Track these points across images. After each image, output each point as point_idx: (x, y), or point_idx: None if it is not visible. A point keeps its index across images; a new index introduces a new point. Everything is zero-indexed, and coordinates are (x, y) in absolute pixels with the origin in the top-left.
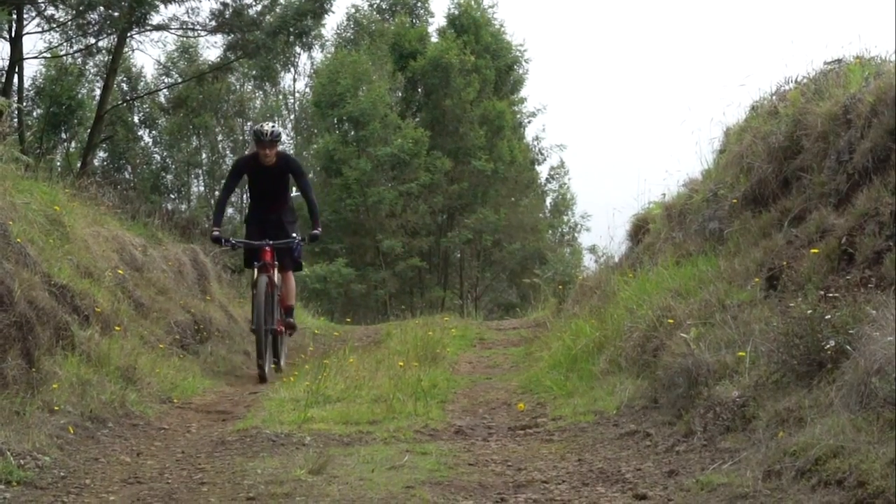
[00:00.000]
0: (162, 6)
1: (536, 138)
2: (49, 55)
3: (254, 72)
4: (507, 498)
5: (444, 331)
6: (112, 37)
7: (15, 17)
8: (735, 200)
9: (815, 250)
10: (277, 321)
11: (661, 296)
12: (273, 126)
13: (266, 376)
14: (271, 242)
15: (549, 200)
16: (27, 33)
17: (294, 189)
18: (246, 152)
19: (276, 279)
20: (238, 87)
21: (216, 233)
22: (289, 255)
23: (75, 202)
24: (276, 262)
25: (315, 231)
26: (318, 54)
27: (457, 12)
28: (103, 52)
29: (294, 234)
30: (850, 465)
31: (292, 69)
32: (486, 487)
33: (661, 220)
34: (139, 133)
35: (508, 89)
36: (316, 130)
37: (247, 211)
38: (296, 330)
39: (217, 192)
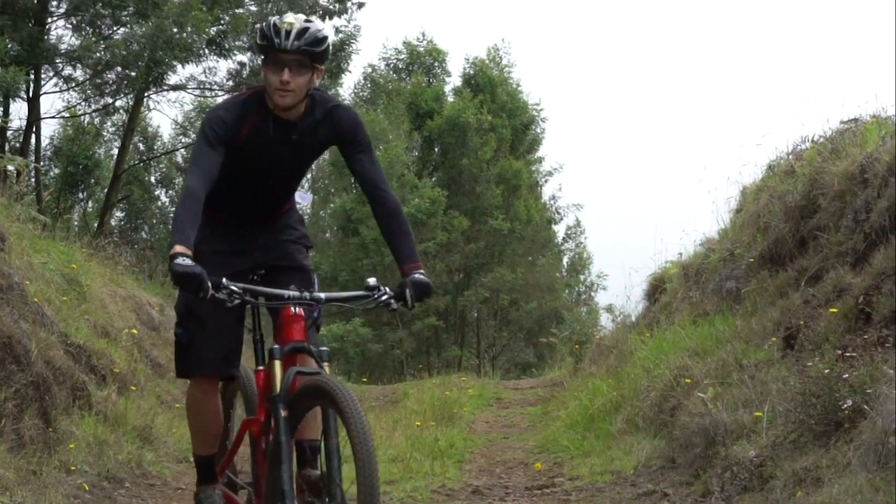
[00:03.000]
0: (179, 66)
1: (553, 197)
2: (66, 115)
3: None
4: None
5: (461, 390)
6: (129, 96)
7: (33, 77)
8: (752, 260)
9: (833, 309)
10: None
11: (678, 355)
12: (308, 20)
13: None
14: (323, 296)
15: (565, 260)
16: (45, 93)
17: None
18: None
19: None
20: None
21: (184, 259)
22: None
23: (92, 261)
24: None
25: (418, 273)
26: None
27: (473, 72)
28: (120, 111)
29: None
30: None
31: None
32: None
33: (678, 280)
34: (156, 193)
35: (525, 148)
36: (333, 189)
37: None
38: None
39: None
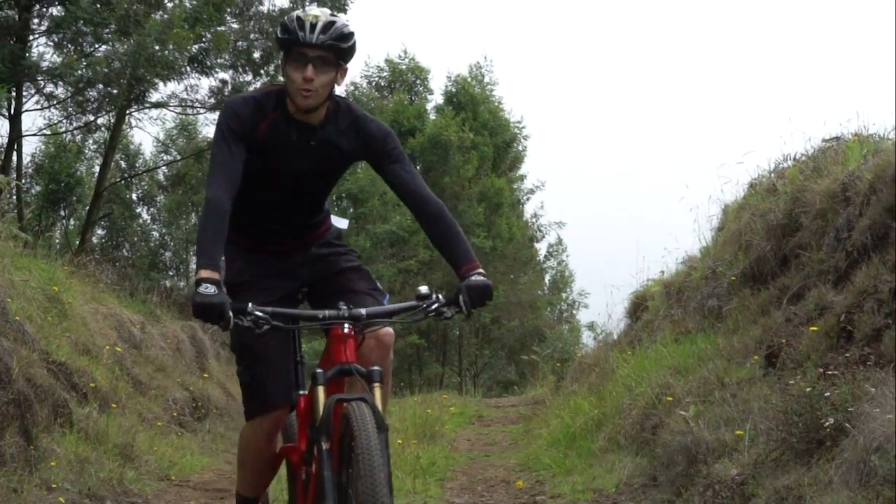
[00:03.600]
0: (161, 84)
1: (535, 215)
2: (48, 132)
3: None
4: None
5: (443, 408)
6: (111, 114)
7: (14, 94)
8: (734, 278)
9: (814, 328)
10: None
11: (659, 373)
12: (334, 14)
13: None
14: (363, 311)
15: (547, 278)
16: (26, 110)
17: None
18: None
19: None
20: None
21: (208, 287)
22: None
23: (74, 279)
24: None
25: (475, 275)
26: None
27: (455, 89)
28: (102, 129)
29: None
30: None
31: None
32: None
33: (660, 298)
34: (137, 210)
35: (507, 166)
36: None
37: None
38: None
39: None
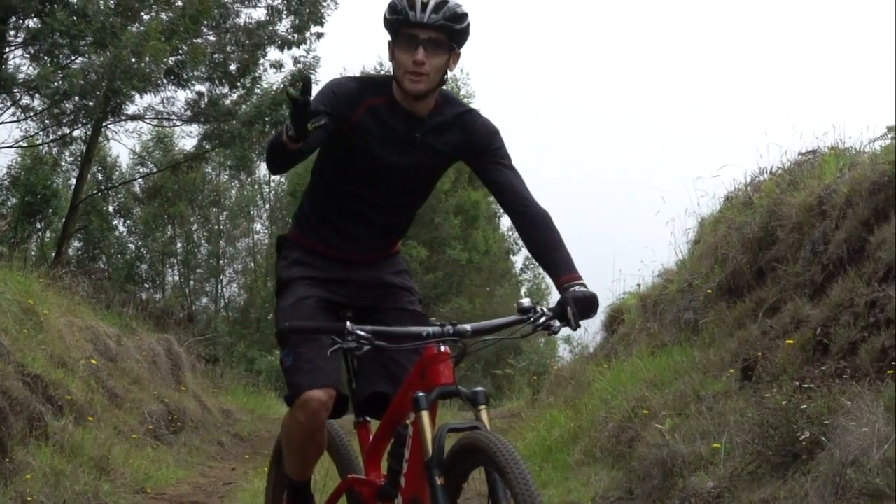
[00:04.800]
0: (137, 96)
1: (511, 228)
2: (24, 144)
3: (229, 161)
4: None
5: None
6: (87, 126)
7: None
8: (710, 291)
9: (790, 341)
10: None
11: (636, 386)
12: None
13: None
14: (468, 328)
15: (523, 290)
16: (2, 122)
17: None
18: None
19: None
20: (213, 176)
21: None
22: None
23: (49, 292)
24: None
25: (578, 286)
26: None
27: None
28: (78, 141)
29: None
30: None
31: None
32: None
33: (636, 311)
34: (114, 223)
35: None
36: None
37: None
38: None
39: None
